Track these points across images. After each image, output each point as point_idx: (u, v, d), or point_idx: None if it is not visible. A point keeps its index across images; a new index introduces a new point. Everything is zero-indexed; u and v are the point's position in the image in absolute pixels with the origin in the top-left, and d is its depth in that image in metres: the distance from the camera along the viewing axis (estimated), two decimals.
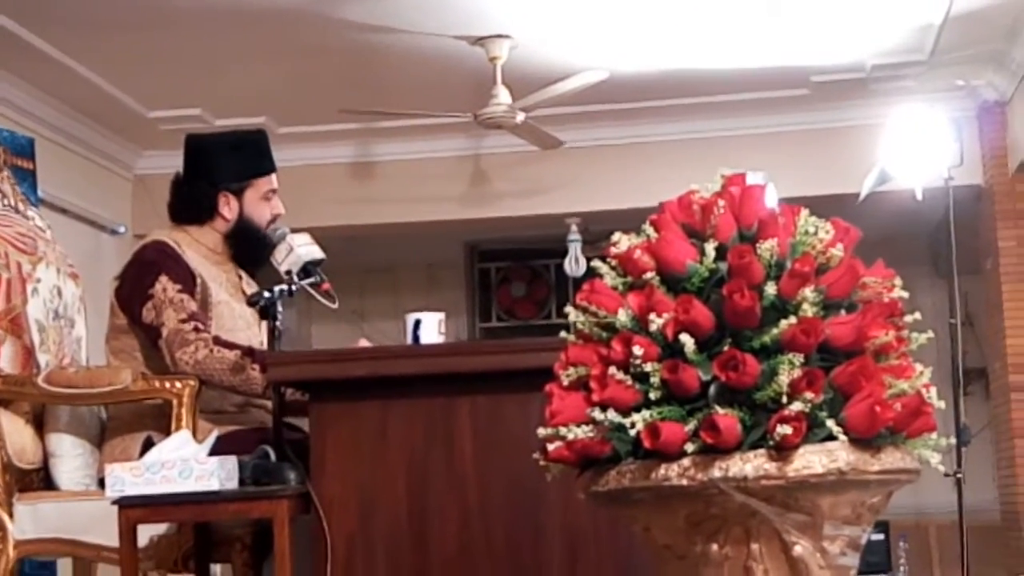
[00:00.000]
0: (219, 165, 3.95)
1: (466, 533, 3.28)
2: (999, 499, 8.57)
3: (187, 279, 3.76)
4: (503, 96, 6.99)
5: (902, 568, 8.65)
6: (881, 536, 8.37)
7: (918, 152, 6.08)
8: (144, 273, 3.76)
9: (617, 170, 8.19)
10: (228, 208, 3.91)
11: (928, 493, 7.65)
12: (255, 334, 3.81)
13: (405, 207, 8.22)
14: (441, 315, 3.67)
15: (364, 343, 3.93)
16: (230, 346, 3.65)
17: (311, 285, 3.74)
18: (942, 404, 2.33)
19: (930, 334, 2.35)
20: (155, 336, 3.68)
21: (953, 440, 2.48)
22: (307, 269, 3.75)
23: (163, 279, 3.71)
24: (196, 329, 3.66)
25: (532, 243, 10.73)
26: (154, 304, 3.68)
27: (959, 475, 5.71)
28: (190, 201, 3.94)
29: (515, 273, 11.18)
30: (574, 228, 9.05)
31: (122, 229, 8.17)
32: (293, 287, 3.67)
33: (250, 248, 3.92)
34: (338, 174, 8.50)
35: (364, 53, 6.92)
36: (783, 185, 2.41)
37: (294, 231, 3.85)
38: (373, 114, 7.50)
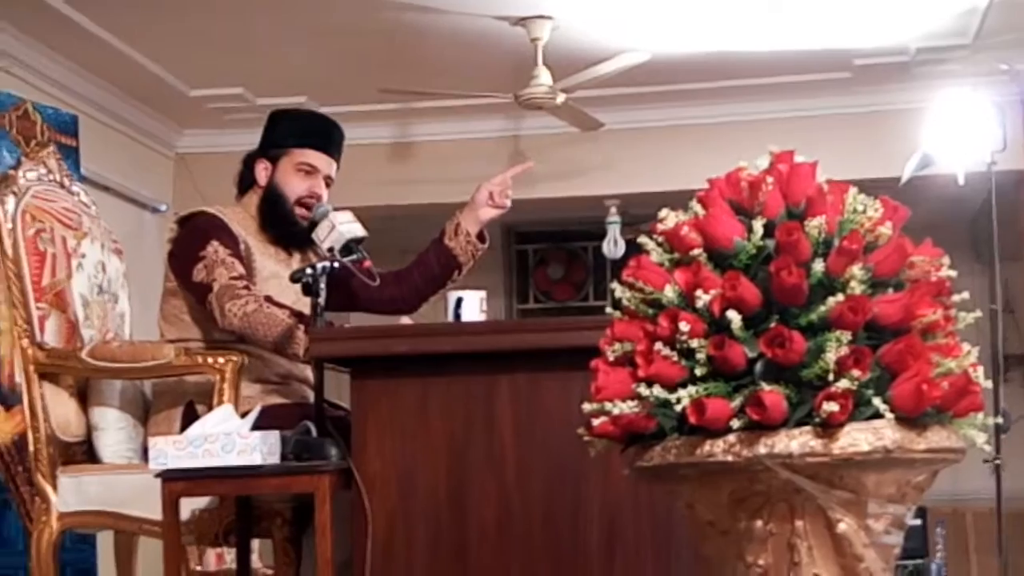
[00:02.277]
0: (269, 134, 4.04)
1: (505, 511, 3.30)
2: None
3: (235, 246, 3.81)
4: (544, 77, 6.97)
5: (939, 554, 8.61)
6: (918, 522, 8.34)
7: (961, 136, 6.04)
8: (195, 238, 3.81)
9: (657, 152, 8.17)
10: (264, 174, 3.97)
11: (966, 480, 7.60)
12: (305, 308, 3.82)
13: (444, 188, 8.21)
14: (483, 293, 3.68)
15: (405, 321, 3.95)
16: (281, 307, 3.68)
17: (352, 263, 3.75)
18: (988, 384, 2.32)
19: (978, 313, 2.34)
20: (205, 292, 3.71)
21: (997, 420, 2.47)
22: (349, 247, 3.76)
23: (214, 243, 3.77)
24: (247, 287, 3.70)
25: (570, 225, 10.71)
26: (205, 264, 3.73)
27: (998, 461, 5.69)
28: (240, 170, 4.03)
29: (553, 255, 11.17)
30: (613, 210, 9.02)
31: (163, 207, 8.20)
32: (335, 264, 3.69)
33: (273, 218, 3.94)
34: (377, 154, 8.50)
35: (404, 33, 6.92)
36: (825, 168, 2.40)
37: (336, 209, 3.86)
38: (413, 94, 7.50)
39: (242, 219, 3.94)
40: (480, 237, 4.08)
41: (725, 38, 7.12)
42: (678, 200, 2.43)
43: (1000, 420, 4.53)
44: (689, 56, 7.35)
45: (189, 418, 3.63)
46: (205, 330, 3.79)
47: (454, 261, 4.08)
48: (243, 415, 3.44)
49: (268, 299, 3.70)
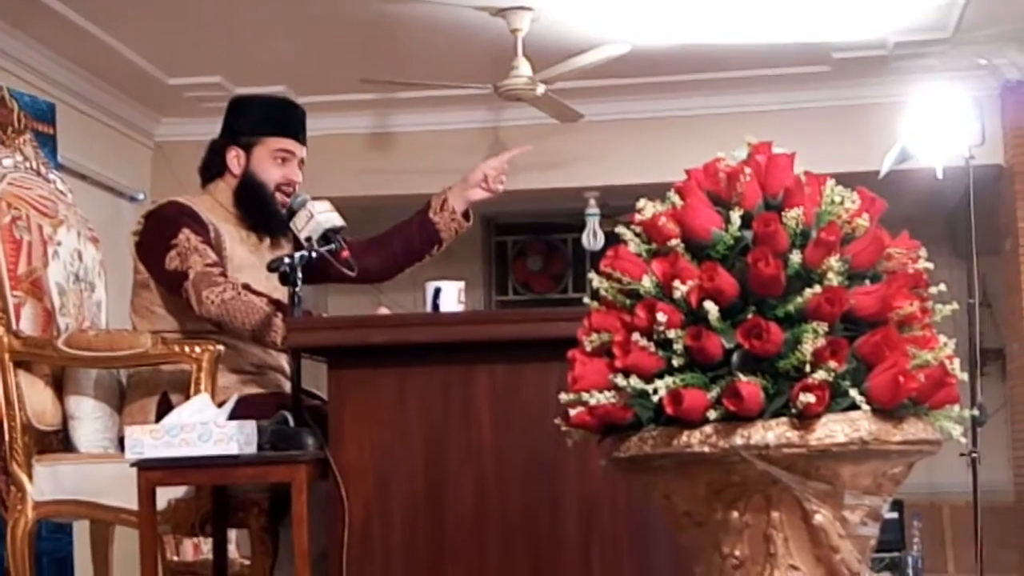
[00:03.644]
0: (236, 121, 4.01)
1: (482, 501, 3.29)
2: (1013, 479, 8.56)
3: (206, 233, 3.79)
4: (523, 68, 6.97)
5: (915, 547, 8.65)
6: (895, 515, 8.37)
7: (939, 131, 6.06)
8: (165, 227, 3.78)
9: (636, 144, 8.18)
10: (236, 163, 3.94)
11: (943, 473, 7.65)
12: (279, 295, 3.81)
13: (423, 178, 8.19)
14: (461, 284, 3.68)
15: (383, 311, 3.94)
16: (258, 295, 3.67)
17: (330, 252, 3.74)
18: (964, 376, 2.32)
19: (954, 305, 2.34)
20: (180, 280, 3.68)
21: (974, 412, 2.47)
22: (327, 236, 3.74)
23: (186, 231, 3.74)
24: (223, 274, 3.69)
25: (550, 217, 10.72)
26: (178, 252, 3.71)
27: (974, 455, 5.71)
28: (205, 158, 4.00)
29: (532, 247, 11.17)
30: (592, 202, 9.03)
31: (141, 196, 8.17)
32: (313, 254, 3.67)
33: (253, 207, 3.92)
34: (356, 144, 8.49)
35: (385, 23, 6.91)
36: (804, 162, 2.41)
37: (314, 199, 3.85)
38: (393, 84, 7.49)
39: (211, 206, 3.91)
40: (465, 215, 4.10)
41: (705, 31, 7.12)
42: (658, 192, 2.43)
43: (977, 413, 4.53)
44: (669, 48, 7.35)
45: (164, 408, 3.62)
46: (179, 321, 3.77)
47: (436, 236, 4.10)
48: (219, 405, 3.43)
49: (245, 287, 3.68)
